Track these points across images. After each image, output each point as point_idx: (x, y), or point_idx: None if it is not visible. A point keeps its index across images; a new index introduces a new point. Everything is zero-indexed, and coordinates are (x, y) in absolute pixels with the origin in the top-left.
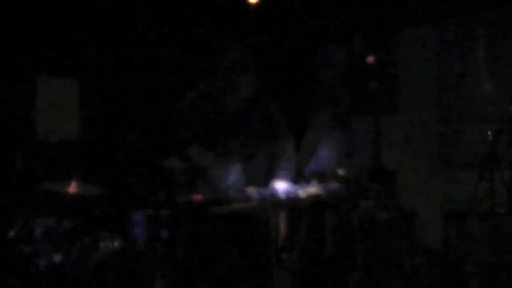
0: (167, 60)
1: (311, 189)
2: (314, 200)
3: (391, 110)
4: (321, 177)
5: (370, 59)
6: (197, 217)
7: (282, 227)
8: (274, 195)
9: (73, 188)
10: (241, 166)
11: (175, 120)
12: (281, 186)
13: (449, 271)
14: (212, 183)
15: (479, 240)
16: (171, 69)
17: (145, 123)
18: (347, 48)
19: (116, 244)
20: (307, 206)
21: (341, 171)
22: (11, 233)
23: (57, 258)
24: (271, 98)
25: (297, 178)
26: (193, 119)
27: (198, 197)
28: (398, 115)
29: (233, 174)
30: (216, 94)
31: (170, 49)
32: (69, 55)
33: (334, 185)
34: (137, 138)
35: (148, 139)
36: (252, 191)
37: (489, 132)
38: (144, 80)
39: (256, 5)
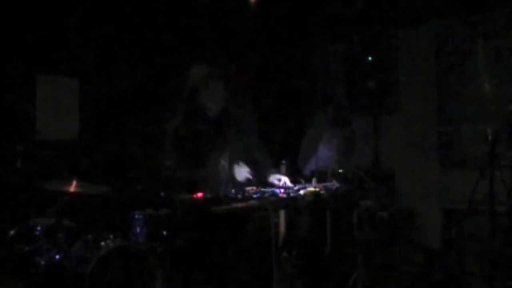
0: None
1: (311, 188)
2: (314, 200)
3: (391, 110)
4: (321, 176)
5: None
6: (197, 216)
7: (282, 226)
8: (274, 194)
9: (73, 187)
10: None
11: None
12: (280, 184)
13: (449, 271)
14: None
15: (479, 240)
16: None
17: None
18: (346, 46)
19: (116, 243)
20: (306, 206)
21: (340, 171)
22: (11, 233)
23: (58, 257)
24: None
25: (297, 177)
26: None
27: (198, 195)
28: (398, 115)
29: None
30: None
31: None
32: (69, 55)
33: (333, 185)
34: (138, 137)
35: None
36: (252, 189)
37: (489, 132)
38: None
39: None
